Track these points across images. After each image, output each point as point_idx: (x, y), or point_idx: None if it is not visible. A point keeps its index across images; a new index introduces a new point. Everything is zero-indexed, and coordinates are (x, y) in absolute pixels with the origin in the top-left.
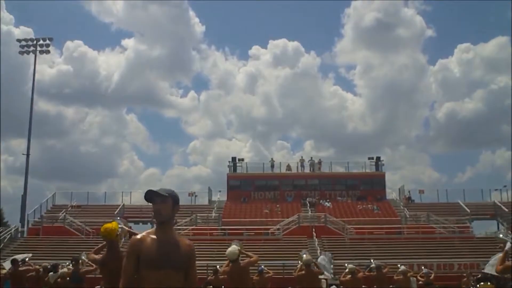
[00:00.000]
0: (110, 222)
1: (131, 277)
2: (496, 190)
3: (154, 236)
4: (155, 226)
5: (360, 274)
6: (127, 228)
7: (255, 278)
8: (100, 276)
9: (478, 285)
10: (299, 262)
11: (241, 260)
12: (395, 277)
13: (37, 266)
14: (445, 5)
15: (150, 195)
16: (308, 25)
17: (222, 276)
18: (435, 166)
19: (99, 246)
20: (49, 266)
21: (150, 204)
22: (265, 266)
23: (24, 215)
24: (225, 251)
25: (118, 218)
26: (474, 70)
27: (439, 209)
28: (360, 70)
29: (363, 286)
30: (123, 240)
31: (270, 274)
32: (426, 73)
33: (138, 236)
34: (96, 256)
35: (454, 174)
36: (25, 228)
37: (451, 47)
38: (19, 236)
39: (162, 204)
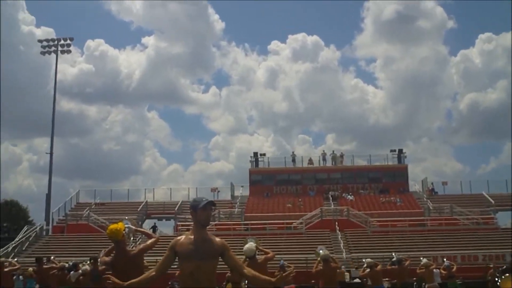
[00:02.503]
0: (117, 223)
1: (164, 265)
2: None
3: (191, 236)
4: (194, 227)
5: (379, 267)
6: (134, 228)
7: (277, 273)
8: None
9: (503, 276)
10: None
11: (258, 256)
12: (418, 270)
13: (62, 264)
14: None
15: (209, 205)
16: (327, 19)
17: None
18: (458, 157)
19: (109, 248)
20: (68, 265)
21: (174, 200)
22: (287, 260)
23: (49, 213)
24: None
25: (126, 218)
26: (496, 60)
27: (462, 201)
28: (380, 63)
29: (386, 279)
30: (131, 239)
31: (291, 269)
32: (447, 64)
33: (178, 237)
34: (106, 258)
35: (478, 165)
36: (50, 226)
37: (472, 37)
38: (44, 234)
39: (211, 212)
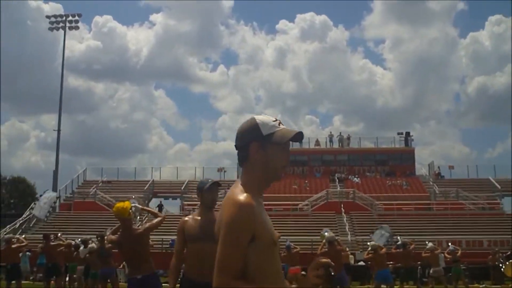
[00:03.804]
0: (123, 201)
1: (179, 250)
2: None
3: (197, 217)
4: (200, 208)
5: (383, 251)
6: (141, 206)
7: (283, 254)
8: None
9: (507, 262)
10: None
11: None
12: (423, 254)
13: (69, 241)
14: None
15: (215, 187)
16: None
17: None
18: (465, 141)
19: (116, 226)
20: (76, 242)
21: (180, 180)
22: (293, 241)
23: (56, 190)
24: None
25: (133, 197)
26: (506, 43)
27: (469, 185)
28: (389, 44)
29: (390, 263)
30: (138, 218)
31: (297, 250)
32: (457, 46)
33: (185, 218)
34: (113, 237)
35: (485, 149)
36: (57, 204)
37: (482, 19)
38: (51, 211)
39: (217, 195)
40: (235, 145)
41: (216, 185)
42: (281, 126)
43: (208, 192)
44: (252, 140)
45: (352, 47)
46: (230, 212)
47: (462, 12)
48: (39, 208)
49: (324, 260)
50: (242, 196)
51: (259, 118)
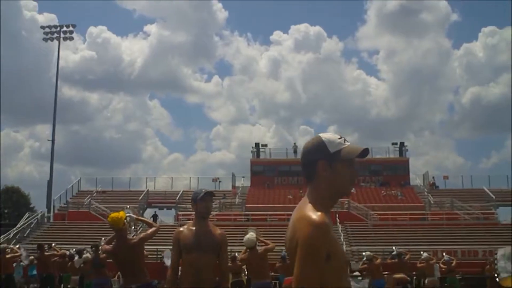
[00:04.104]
0: (118, 211)
1: (176, 262)
2: None
3: (192, 228)
4: (195, 218)
5: (378, 261)
6: (135, 216)
7: (278, 264)
8: None
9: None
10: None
11: (258, 247)
12: (418, 265)
13: (63, 251)
14: None
15: (208, 195)
16: (330, 10)
17: (240, 263)
18: (459, 151)
19: (110, 236)
20: (71, 252)
21: (175, 190)
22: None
23: (50, 200)
24: None
25: (127, 207)
26: (499, 54)
27: (463, 195)
28: (383, 55)
29: (386, 273)
30: (133, 228)
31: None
32: (450, 57)
33: (180, 229)
34: (108, 247)
35: (479, 159)
36: (51, 214)
37: (475, 31)
38: (46, 221)
39: (211, 203)
40: (301, 163)
41: (210, 195)
42: (347, 143)
43: (202, 202)
44: (320, 159)
45: (346, 58)
46: (306, 231)
47: (456, 23)
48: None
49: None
50: (317, 215)
51: (325, 136)
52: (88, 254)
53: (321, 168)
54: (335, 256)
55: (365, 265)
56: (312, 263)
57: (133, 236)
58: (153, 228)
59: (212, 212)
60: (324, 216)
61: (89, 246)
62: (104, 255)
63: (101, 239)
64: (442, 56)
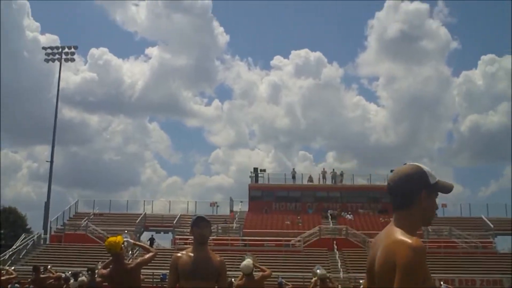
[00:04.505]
0: (116, 236)
1: (173, 286)
2: None
3: (190, 254)
4: (193, 244)
5: None
6: (133, 241)
7: None
8: None
9: None
10: (313, 277)
11: (255, 273)
12: None
13: (59, 273)
14: (470, 17)
15: (199, 220)
16: (331, 36)
17: None
18: (458, 179)
19: (108, 260)
20: (66, 274)
21: (172, 213)
22: (285, 278)
23: (47, 222)
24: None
25: (126, 231)
26: (498, 82)
27: (461, 224)
28: (383, 82)
29: None
30: (130, 252)
31: (289, 286)
32: (450, 85)
33: (178, 254)
34: (104, 271)
35: (478, 188)
36: (48, 235)
37: (475, 59)
38: (42, 243)
39: (205, 229)
40: (398, 191)
41: (204, 220)
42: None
43: (197, 228)
44: (423, 188)
45: (346, 84)
46: (405, 255)
47: (456, 51)
48: None
49: None
50: (414, 240)
51: (424, 167)
52: (84, 277)
53: (424, 198)
54: (428, 279)
55: None
56: (414, 284)
57: (129, 261)
58: (150, 254)
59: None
60: (420, 241)
61: (85, 269)
62: (100, 279)
63: (98, 262)
64: (441, 83)
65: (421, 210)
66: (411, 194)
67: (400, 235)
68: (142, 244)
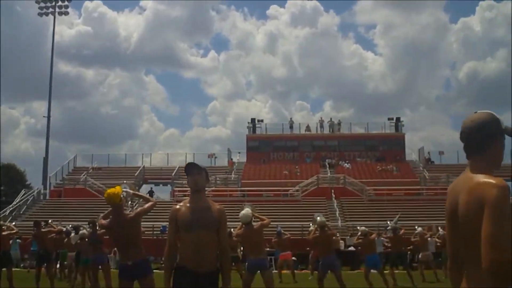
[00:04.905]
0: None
1: (173, 239)
2: None
3: (188, 204)
4: (190, 194)
5: (373, 236)
6: (132, 191)
7: (274, 240)
8: None
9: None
10: (311, 225)
11: (254, 223)
12: (412, 239)
13: (60, 227)
14: None
15: (190, 167)
16: None
17: (236, 239)
18: (455, 127)
19: (107, 211)
20: (68, 228)
21: (171, 166)
22: (284, 227)
23: (46, 177)
24: None
25: (124, 182)
26: (496, 28)
27: (459, 171)
28: (380, 30)
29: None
30: (129, 203)
31: (287, 236)
32: (447, 32)
33: (177, 206)
34: (104, 222)
35: None
36: (47, 190)
37: (473, 4)
38: (42, 198)
39: (198, 175)
40: (475, 136)
41: (195, 167)
42: None
43: (188, 176)
44: (498, 134)
45: (343, 33)
46: (493, 193)
47: None
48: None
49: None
50: (498, 179)
51: (495, 114)
52: (84, 231)
53: (499, 143)
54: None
55: (360, 240)
56: (505, 220)
57: (129, 212)
58: (150, 203)
59: (207, 188)
60: (503, 180)
61: (86, 223)
62: (102, 231)
63: (98, 215)
64: (439, 30)
65: (496, 154)
66: (488, 140)
67: (483, 177)
68: (141, 194)
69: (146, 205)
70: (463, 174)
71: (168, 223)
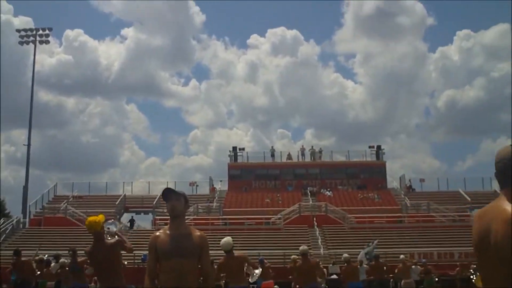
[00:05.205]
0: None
1: (153, 267)
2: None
3: (168, 231)
4: (169, 221)
5: (356, 263)
6: (115, 231)
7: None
8: None
9: (478, 273)
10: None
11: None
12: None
13: (40, 256)
14: None
15: (167, 193)
16: (307, 13)
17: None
18: (435, 154)
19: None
20: (47, 257)
21: (152, 194)
22: (266, 255)
23: (26, 206)
24: None
25: (112, 220)
26: (474, 58)
27: (439, 198)
28: (360, 59)
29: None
30: (109, 239)
31: (268, 265)
32: (426, 61)
33: (156, 233)
34: (87, 249)
35: (455, 162)
36: (27, 219)
37: (451, 34)
38: (21, 227)
39: (176, 201)
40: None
41: (171, 192)
42: None
43: (166, 201)
44: None
45: (323, 62)
46: None
47: (432, 27)
48: None
49: None
50: None
51: None
52: (64, 259)
53: None
54: None
55: (344, 267)
56: None
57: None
58: (129, 245)
59: (189, 217)
60: None
61: (66, 251)
62: (82, 259)
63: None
64: (418, 59)
65: None
66: None
67: None
68: (122, 237)
69: (128, 243)
70: (495, 203)
71: (148, 252)
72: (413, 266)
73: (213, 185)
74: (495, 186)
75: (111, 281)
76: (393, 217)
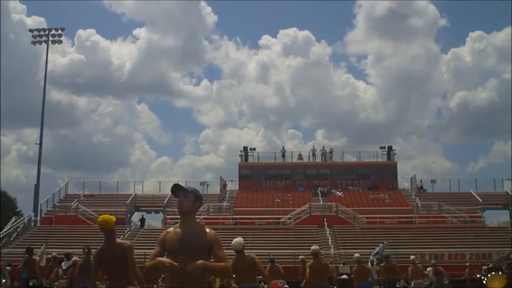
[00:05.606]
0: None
1: (156, 255)
2: (508, 179)
3: (178, 229)
4: (180, 219)
5: (367, 264)
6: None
7: (267, 268)
8: None
9: (489, 275)
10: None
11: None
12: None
13: (54, 254)
14: None
15: (175, 189)
16: (319, 14)
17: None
18: (447, 155)
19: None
20: (58, 256)
21: (163, 193)
22: (276, 255)
23: (37, 204)
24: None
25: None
26: (486, 59)
27: (451, 199)
28: (372, 60)
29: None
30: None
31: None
32: (438, 62)
33: (168, 230)
34: (95, 252)
35: (467, 163)
36: (38, 218)
37: (463, 35)
38: (32, 225)
39: (184, 198)
40: None
41: (179, 188)
42: None
43: (176, 197)
44: None
45: (334, 62)
46: None
47: (444, 29)
48: None
49: None
50: None
51: None
52: (76, 257)
53: None
54: None
55: (354, 267)
56: None
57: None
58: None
59: (199, 216)
60: None
61: (78, 250)
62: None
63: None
64: (430, 60)
65: None
66: None
67: None
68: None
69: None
70: None
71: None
72: (428, 269)
73: (224, 182)
74: (507, 187)
75: (119, 281)
76: (404, 218)
